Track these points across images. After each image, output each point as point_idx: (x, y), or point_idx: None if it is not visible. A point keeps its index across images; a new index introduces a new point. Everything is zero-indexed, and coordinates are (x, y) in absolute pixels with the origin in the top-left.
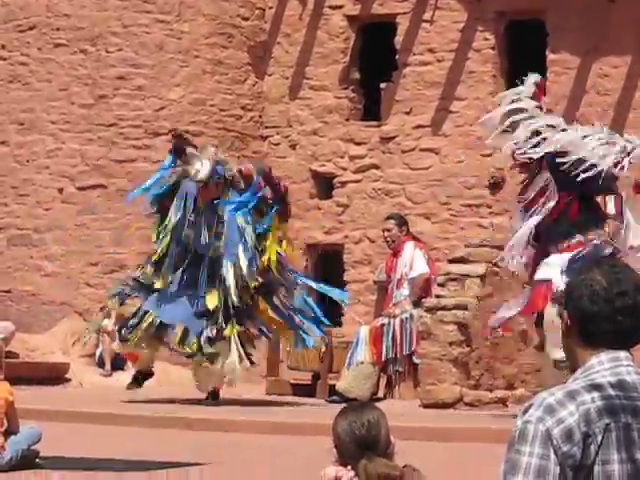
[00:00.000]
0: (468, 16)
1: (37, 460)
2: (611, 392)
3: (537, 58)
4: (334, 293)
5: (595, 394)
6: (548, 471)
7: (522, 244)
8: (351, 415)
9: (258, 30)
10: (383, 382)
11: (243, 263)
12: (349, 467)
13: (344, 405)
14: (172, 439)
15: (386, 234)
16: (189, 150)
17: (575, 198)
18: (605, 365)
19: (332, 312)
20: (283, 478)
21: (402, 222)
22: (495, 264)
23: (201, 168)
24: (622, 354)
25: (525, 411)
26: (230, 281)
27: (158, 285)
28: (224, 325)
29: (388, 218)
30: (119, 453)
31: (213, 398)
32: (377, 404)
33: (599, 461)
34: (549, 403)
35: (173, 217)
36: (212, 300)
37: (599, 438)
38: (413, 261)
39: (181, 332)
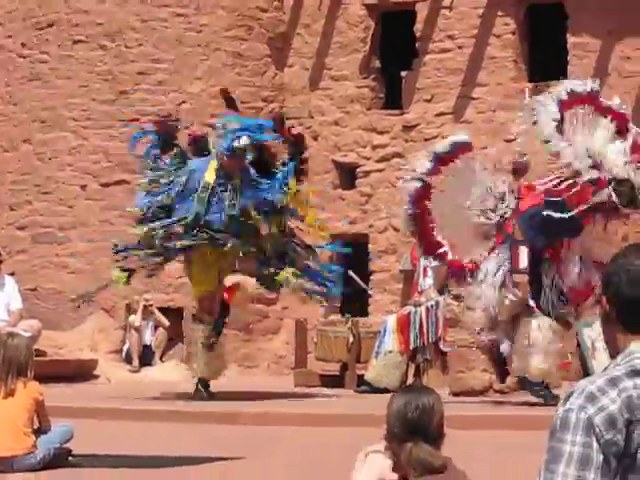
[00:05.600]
0: (487, 2)
1: (69, 458)
2: None
3: (558, 42)
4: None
5: (637, 380)
6: (591, 459)
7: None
8: (408, 396)
9: (277, 21)
10: (411, 371)
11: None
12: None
13: (407, 386)
14: (203, 434)
15: None
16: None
17: None
18: None
19: (358, 301)
20: (315, 470)
21: None
22: None
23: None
24: None
25: (566, 399)
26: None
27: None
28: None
29: None
30: (153, 449)
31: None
32: None
33: None
34: (590, 391)
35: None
36: None
37: None
38: None
39: None
